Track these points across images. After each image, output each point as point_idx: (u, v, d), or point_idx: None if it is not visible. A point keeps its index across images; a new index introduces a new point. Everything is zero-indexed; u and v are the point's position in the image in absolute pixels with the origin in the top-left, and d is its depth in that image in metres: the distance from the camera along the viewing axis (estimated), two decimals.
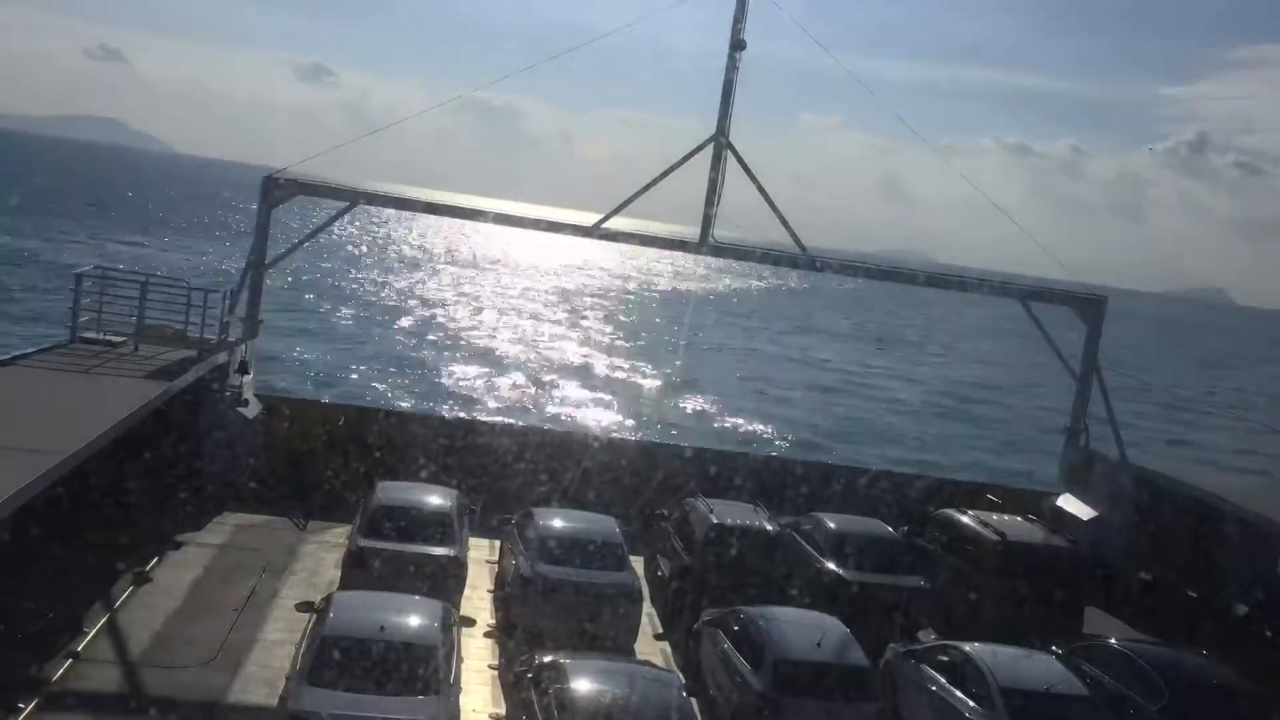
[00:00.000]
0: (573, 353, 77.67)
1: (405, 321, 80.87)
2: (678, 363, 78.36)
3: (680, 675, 15.22)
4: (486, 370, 65.81)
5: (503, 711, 15.39)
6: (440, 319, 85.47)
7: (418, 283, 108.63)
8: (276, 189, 24.44)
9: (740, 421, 59.94)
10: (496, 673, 16.93)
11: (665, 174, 25.93)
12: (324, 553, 21.13)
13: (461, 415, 42.62)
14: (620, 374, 71.12)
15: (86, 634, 16.16)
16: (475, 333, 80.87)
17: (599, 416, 56.50)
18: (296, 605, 16.45)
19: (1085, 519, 24.96)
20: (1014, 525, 22.38)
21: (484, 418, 44.96)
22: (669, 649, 18.82)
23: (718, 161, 25.37)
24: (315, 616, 15.02)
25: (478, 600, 19.88)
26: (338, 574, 18.97)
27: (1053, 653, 17.40)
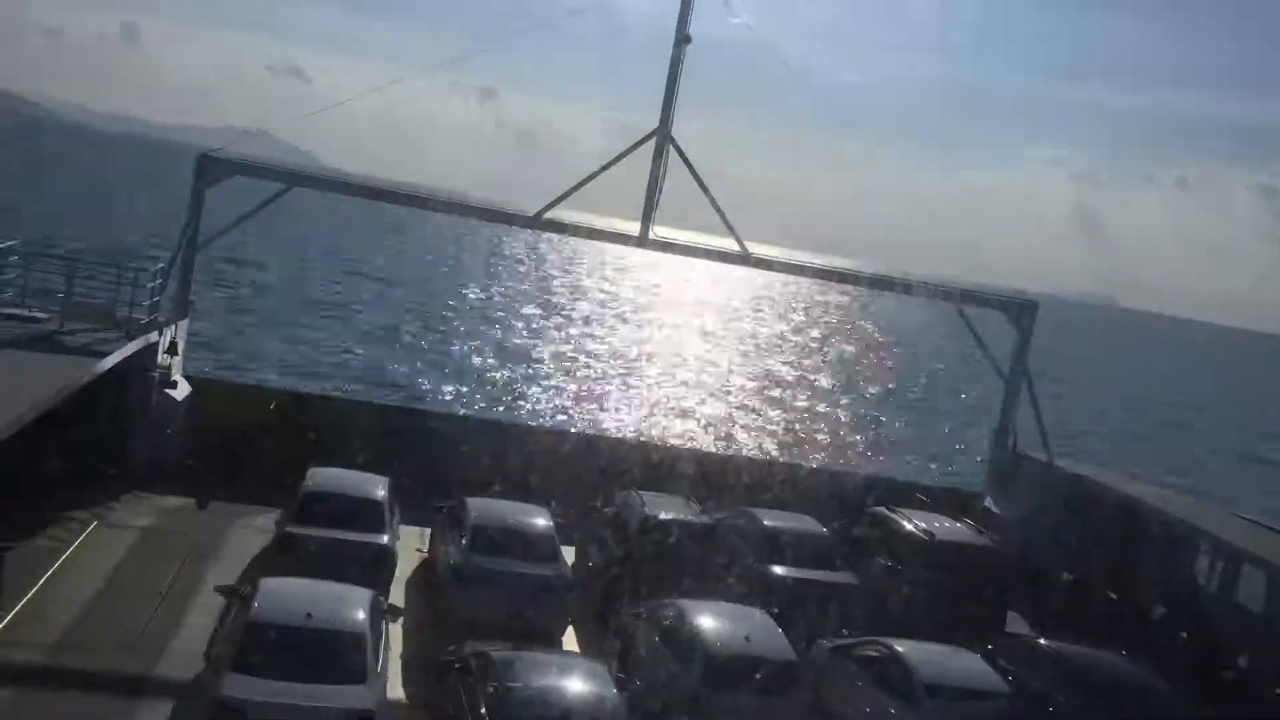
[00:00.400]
0: (540, 347, 77.28)
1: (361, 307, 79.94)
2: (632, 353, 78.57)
3: (609, 667, 15.22)
4: (438, 360, 65.34)
5: (430, 701, 15.30)
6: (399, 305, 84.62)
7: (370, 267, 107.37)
8: (212, 168, 24.07)
9: (686, 416, 60.17)
10: (424, 663, 16.82)
11: (607, 166, 25.96)
12: (252, 538, 20.84)
13: (399, 404, 42.19)
14: (572, 365, 70.92)
15: (4, 615, 15.80)
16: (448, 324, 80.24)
17: (547, 407, 56.33)
18: (217, 588, 16.23)
19: (1011, 520, 25.39)
20: (942, 524, 22.70)
21: (424, 405, 44.71)
22: (599, 641, 18.82)
23: (659, 156, 25.42)
24: (241, 602, 14.83)
25: (408, 588, 19.76)
26: (265, 560, 18.74)
27: (978, 650, 17.68)
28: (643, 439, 44.62)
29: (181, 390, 23.64)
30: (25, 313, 21.90)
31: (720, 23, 27.60)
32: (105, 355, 20.07)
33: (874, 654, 16.93)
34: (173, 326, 23.40)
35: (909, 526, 22.42)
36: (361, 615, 14.50)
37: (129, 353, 21.13)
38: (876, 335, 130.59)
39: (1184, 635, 21.12)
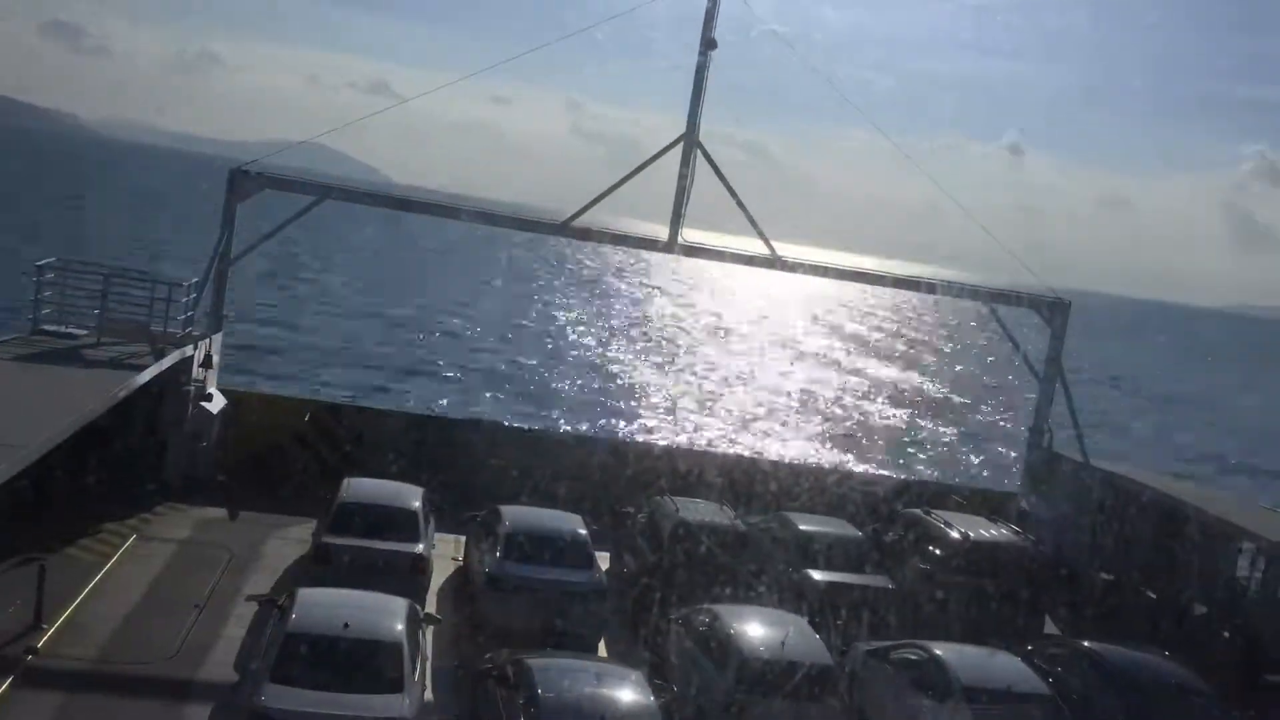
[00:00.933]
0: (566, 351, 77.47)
1: (387, 317, 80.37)
2: (668, 363, 78.60)
3: (645, 674, 15.21)
4: (467, 368, 65.62)
5: (467, 709, 15.35)
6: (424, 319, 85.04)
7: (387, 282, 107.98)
8: (244, 183, 24.31)
9: (715, 421, 60.14)
10: (461, 671, 16.87)
11: (635, 172, 26.00)
12: (288, 548, 20.98)
13: (431, 412, 42.37)
14: (604, 373, 71.01)
15: (45, 630, 15.98)
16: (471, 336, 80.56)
17: (576, 414, 56.44)
18: (258, 599, 16.34)
19: (1047, 520, 25.20)
20: (978, 525, 22.54)
21: (456, 414, 44.84)
22: (634, 647, 18.81)
23: (687, 161, 25.43)
24: (278, 613, 14.92)
25: (443, 597, 19.83)
26: (302, 570, 18.86)
27: (1017, 652, 17.55)
28: (672, 445, 44.65)
29: (216, 403, 23.84)
30: (62, 329, 22.17)
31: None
32: (141, 370, 20.27)
33: (912, 657, 16.82)
34: (207, 340, 23.61)
35: (944, 528, 22.28)
36: (399, 625, 14.56)
37: (164, 367, 21.34)
38: (910, 335, 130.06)
39: (1226, 635, 20.88)
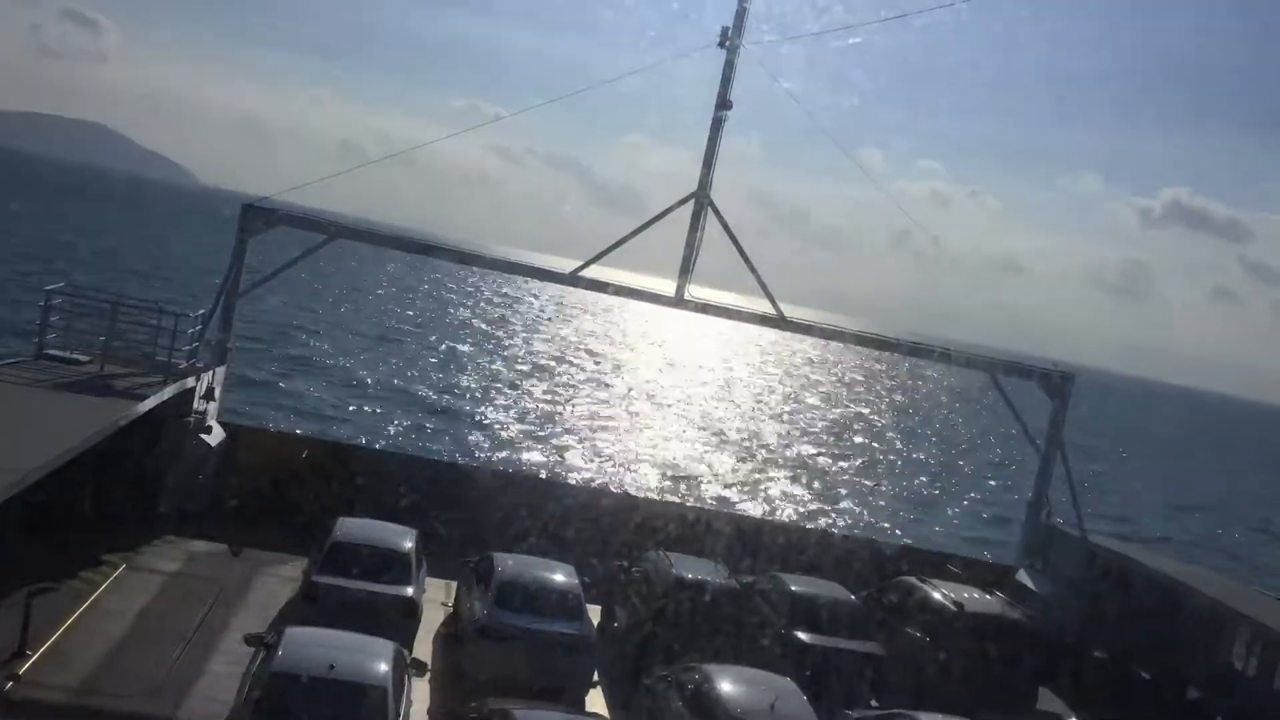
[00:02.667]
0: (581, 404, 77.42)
1: (390, 356, 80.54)
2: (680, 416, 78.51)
3: None
4: (474, 412, 65.67)
5: None
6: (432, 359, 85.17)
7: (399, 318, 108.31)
8: (255, 219, 24.48)
9: (723, 478, 60.07)
10: (445, 718, 16.67)
11: (645, 226, 26.12)
12: (279, 586, 20.85)
13: (430, 456, 42.29)
14: (615, 424, 70.97)
15: (29, 656, 15.84)
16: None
17: (580, 464, 56.34)
18: (245, 637, 16.20)
19: (1043, 594, 25.01)
20: (973, 596, 22.38)
21: (453, 458, 44.76)
22: (624, 702, 18.61)
23: (697, 218, 25.58)
24: (265, 651, 14.79)
25: (432, 642, 19.67)
26: (291, 608, 18.73)
27: None
28: (677, 499, 44.52)
29: (215, 436, 23.80)
30: (67, 354, 22.20)
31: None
32: (142, 399, 20.27)
33: None
34: (210, 372, 23.63)
35: (939, 597, 22.12)
36: (384, 668, 14.42)
37: (165, 397, 21.34)
38: (911, 401, 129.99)
39: None
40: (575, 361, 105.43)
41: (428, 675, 16.76)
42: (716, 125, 25.67)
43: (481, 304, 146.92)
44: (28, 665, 15.67)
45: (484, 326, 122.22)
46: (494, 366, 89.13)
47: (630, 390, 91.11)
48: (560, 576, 19.72)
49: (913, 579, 23.46)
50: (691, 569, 21.21)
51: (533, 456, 55.78)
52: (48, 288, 23.40)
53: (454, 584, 21.57)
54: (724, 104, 25.59)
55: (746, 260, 26.22)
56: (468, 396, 71.71)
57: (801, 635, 20.23)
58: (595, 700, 18.34)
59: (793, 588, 21.62)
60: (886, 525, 54.78)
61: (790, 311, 27.46)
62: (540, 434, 62.79)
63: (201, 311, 24.28)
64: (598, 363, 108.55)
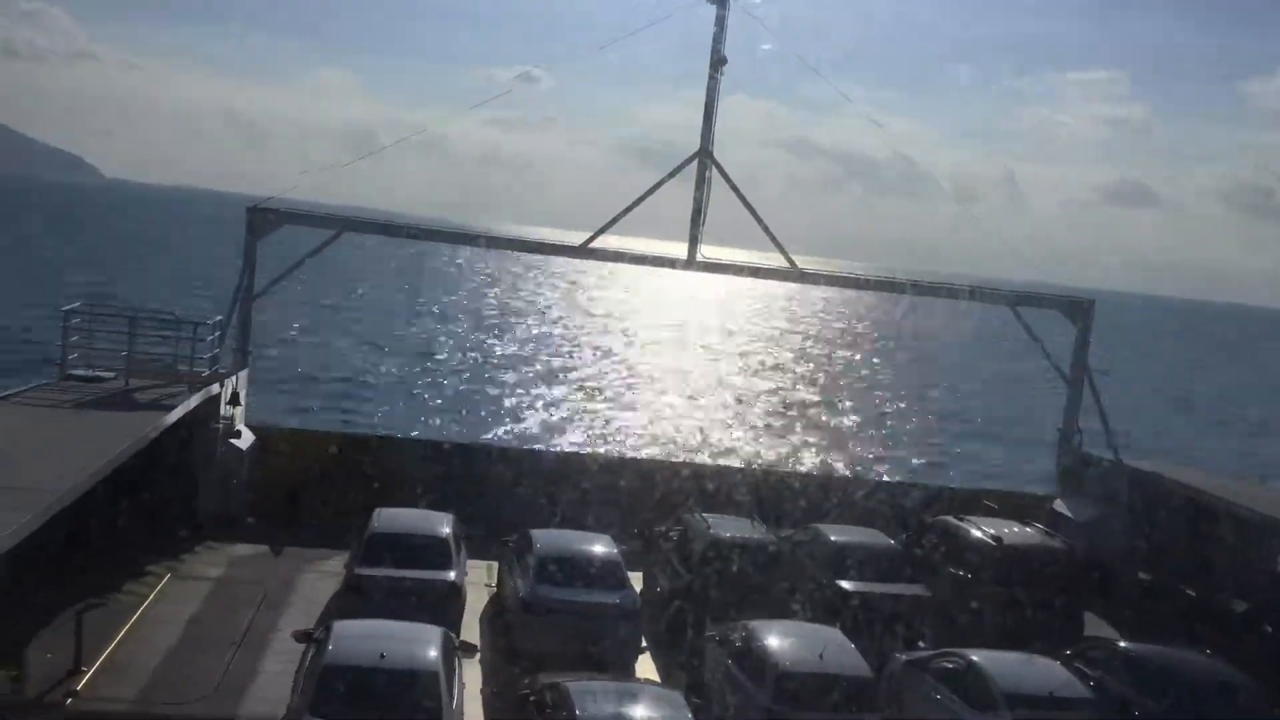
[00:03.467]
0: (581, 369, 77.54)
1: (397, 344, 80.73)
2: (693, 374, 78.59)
3: (683, 693, 15.14)
4: (486, 390, 65.85)
5: None
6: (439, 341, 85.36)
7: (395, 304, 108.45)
8: (263, 219, 24.53)
9: (742, 435, 60.10)
10: (498, 697, 16.83)
11: (651, 191, 26.05)
12: (322, 582, 21.03)
13: (457, 440, 42.47)
14: (620, 390, 71.10)
15: (85, 673, 16.06)
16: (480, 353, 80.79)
17: (598, 435, 56.47)
18: (294, 634, 16.37)
19: (1082, 521, 24.98)
20: (1011, 530, 22.38)
21: (481, 441, 44.97)
22: (671, 666, 18.74)
23: (702, 178, 25.48)
24: (315, 646, 14.94)
25: (478, 624, 19.82)
26: (336, 602, 18.90)
27: (1056, 656, 17.37)
28: (698, 460, 44.59)
29: (245, 440, 23.98)
30: (91, 373, 22.35)
31: None
32: (169, 410, 20.42)
33: (951, 666, 16.69)
34: (233, 377, 23.77)
35: (977, 534, 22.12)
36: (434, 653, 14.54)
37: (192, 406, 21.49)
38: (931, 342, 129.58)
39: (1269, 629, 20.62)
40: (591, 330, 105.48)
41: (477, 656, 16.91)
42: (713, 83, 25.51)
43: (497, 284, 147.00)
44: (84, 680, 15.88)
45: (500, 306, 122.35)
46: (508, 347, 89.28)
47: (647, 356, 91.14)
48: (599, 547, 19.82)
49: (950, 518, 23.46)
50: (729, 528, 21.27)
51: (559, 432, 55.96)
52: (65, 308, 23.53)
53: (494, 565, 21.72)
54: (719, 60, 25.41)
55: (755, 215, 26.12)
56: (489, 378, 71.90)
57: (845, 584, 20.29)
58: (644, 666, 18.47)
59: (833, 537, 21.68)
60: (920, 467, 54.80)
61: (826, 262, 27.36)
62: (562, 409, 62.98)
63: (219, 318, 24.36)
64: (615, 331, 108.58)
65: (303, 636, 15.81)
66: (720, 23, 25.31)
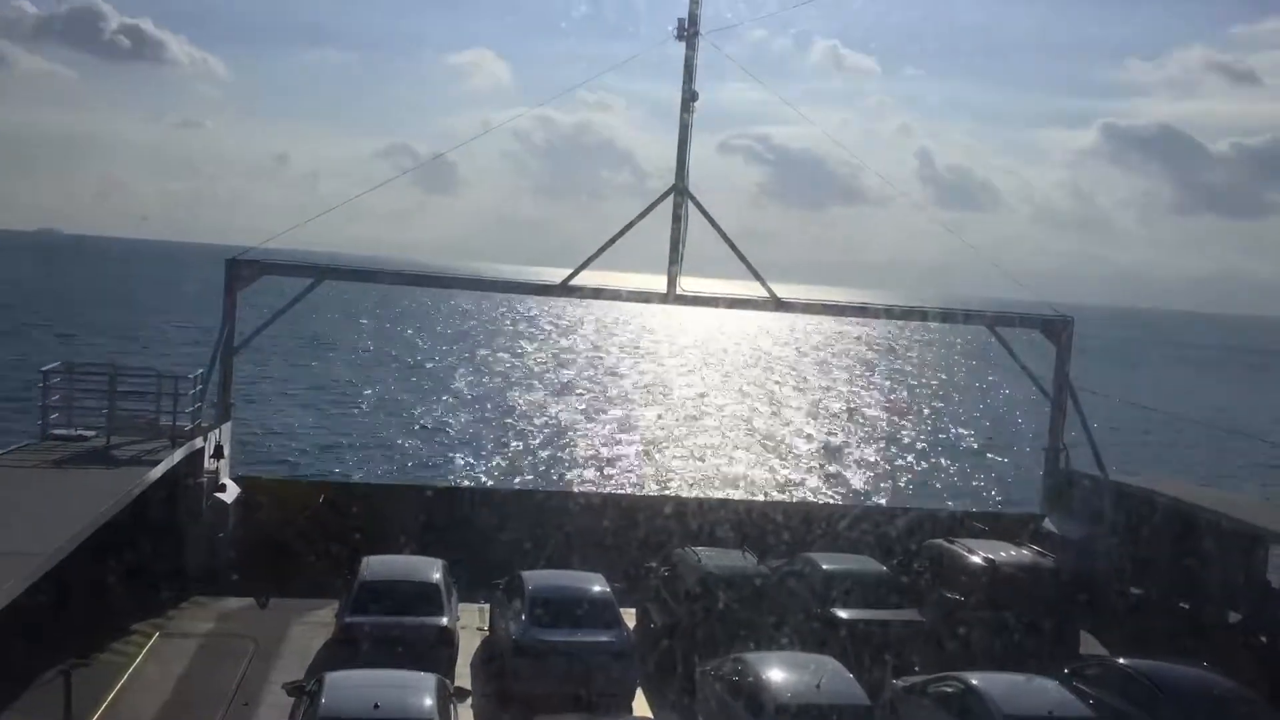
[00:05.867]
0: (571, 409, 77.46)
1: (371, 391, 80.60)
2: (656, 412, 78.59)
3: None
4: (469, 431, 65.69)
5: None
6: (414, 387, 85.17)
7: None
8: (241, 270, 24.51)
9: (725, 465, 60.04)
10: None
11: (629, 226, 26.15)
12: (313, 633, 20.84)
13: (442, 485, 42.30)
14: (601, 427, 71.02)
15: None
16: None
17: (583, 471, 56.34)
18: (286, 688, 16.20)
19: (1071, 540, 25.03)
20: (1002, 551, 22.40)
21: (465, 485, 44.82)
22: (668, 702, 18.62)
23: (679, 211, 25.62)
24: (308, 699, 14.79)
25: (472, 668, 19.67)
26: (328, 652, 18.73)
27: (1054, 675, 17.35)
28: (683, 495, 44.53)
29: (231, 492, 23.83)
30: (72, 431, 22.20)
31: None
32: (153, 466, 20.29)
33: (949, 690, 16.64)
34: (217, 430, 23.65)
35: (969, 556, 22.13)
36: (429, 700, 14.41)
37: (175, 461, 21.36)
38: (909, 366, 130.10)
39: (1263, 640, 20.66)
40: (570, 368, 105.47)
41: (470, 701, 16.77)
42: (685, 119, 25.71)
43: (477, 324, 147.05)
44: None
45: (478, 347, 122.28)
46: (487, 384, 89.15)
47: (627, 391, 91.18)
48: (591, 586, 19.73)
49: (940, 542, 23.47)
50: (720, 561, 21.22)
51: (543, 471, 55.80)
52: (43, 368, 23.40)
53: (485, 608, 21.59)
54: (690, 97, 25.64)
55: (733, 247, 26.29)
56: (472, 419, 71.71)
57: (839, 612, 20.25)
58: (639, 703, 18.35)
59: (824, 566, 21.65)
60: (907, 490, 54.84)
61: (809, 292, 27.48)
62: (546, 448, 62.83)
63: (200, 371, 24.26)
64: (594, 365, 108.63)
65: (295, 689, 15.65)
66: (689, 62, 25.55)
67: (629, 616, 20.77)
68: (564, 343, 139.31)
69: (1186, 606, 22.68)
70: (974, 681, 16.35)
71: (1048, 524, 26.13)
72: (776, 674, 16.19)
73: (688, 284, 26.39)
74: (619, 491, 47.02)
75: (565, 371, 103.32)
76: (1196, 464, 66.56)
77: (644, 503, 30.59)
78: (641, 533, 25.17)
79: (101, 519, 17.18)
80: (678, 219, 25.67)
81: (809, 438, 73.09)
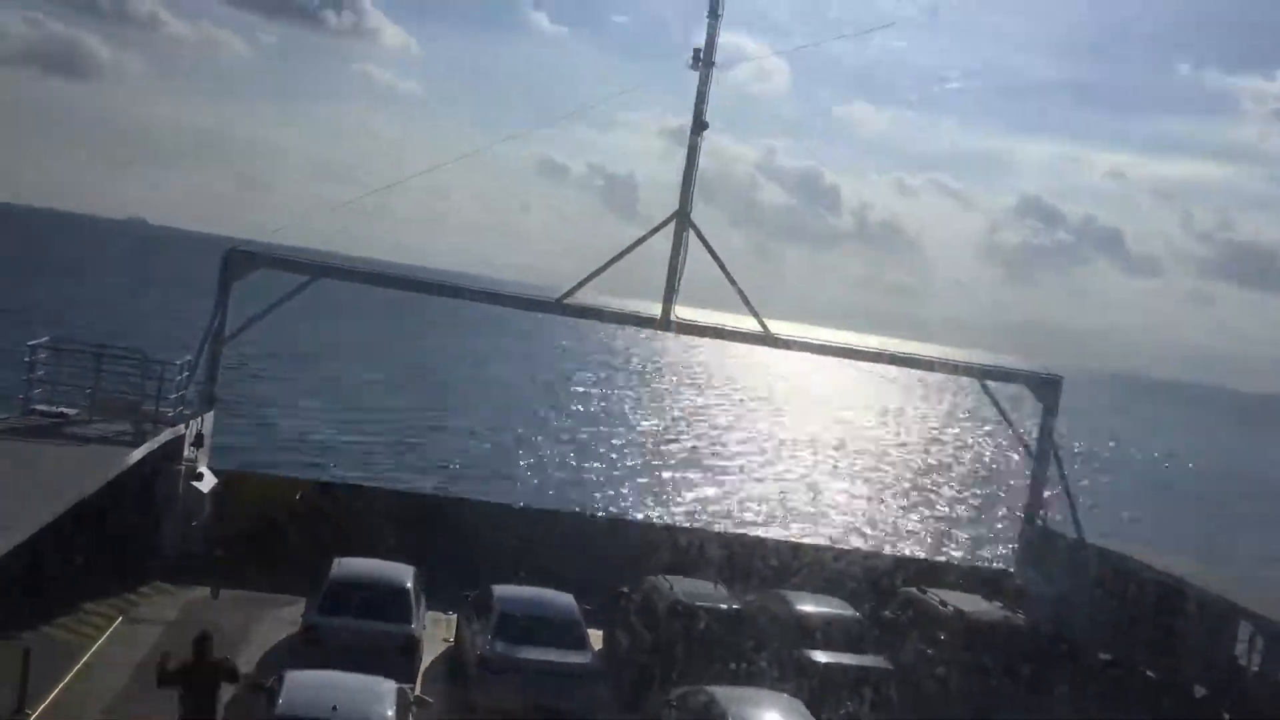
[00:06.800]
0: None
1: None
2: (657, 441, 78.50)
3: None
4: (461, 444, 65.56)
5: None
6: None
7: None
8: (238, 263, 24.50)
9: (711, 496, 60.01)
10: None
11: (630, 249, 26.16)
12: (277, 629, 20.71)
13: (424, 492, 42.14)
14: (592, 449, 70.91)
15: (29, 715, 15.68)
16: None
17: (569, 492, 56.20)
18: (246, 683, 16.07)
19: (1044, 598, 25.01)
20: (975, 604, 22.38)
21: (449, 493, 44.62)
22: None
23: (679, 238, 25.66)
24: (266, 696, 14.68)
25: (434, 678, 19.53)
26: (291, 650, 18.59)
27: None
28: (669, 522, 44.44)
29: (208, 482, 23.72)
30: (54, 409, 22.11)
31: None
32: (132, 449, 20.19)
33: None
34: (199, 419, 23.57)
35: (941, 607, 22.10)
36: (388, 709, 14.30)
37: (155, 446, 21.26)
38: (900, 413, 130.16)
39: (1226, 716, 20.64)
40: (553, 386, 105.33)
41: (431, 712, 16.65)
42: (693, 147, 25.80)
43: (470, 333, 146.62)
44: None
45: (469, 354, 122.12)
46: (473, 394, 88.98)
47: (606, 411, 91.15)
48: (560, 605, 19.65)
49: (914, 590, 23.43)
50: (692, 591, 21.15)
51: (520, 487, 55.63)
52: (30, 343, 23.31)
53: (453, 618, 21.48)
54: (699, 125, 25.72)
55: (729, 278, 26.31)
56: (454, 428, 71.56)
57: (808, 653, 20.17)
58: None
59: (795, 606, 21.58)
60: (883, 538, 54.75)
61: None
62: (526, 463, 62.72)
63: (187, 358, 24.19)
64: (603, 387, 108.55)
65: (253, 686, 15.52)
66: (701, 91, 25.65)
67: (597, 638, 20.69)
68: (571, 364, 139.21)
69: (1154, 675, 22.63)
70: None
71: (1022, 581, 26.12)
72: (738, 710, 16.06)
73: (682, 312, 26.39)
74: (605, 515, 46.86)
75: (555, 388, 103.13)
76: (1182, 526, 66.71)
77: (630, 527, 30.50)
78: (622, 557, 25.03)
79: (76, 499, 17.08)
80: (678, 245, 25.70)
81: (796, 475, 73.08)
